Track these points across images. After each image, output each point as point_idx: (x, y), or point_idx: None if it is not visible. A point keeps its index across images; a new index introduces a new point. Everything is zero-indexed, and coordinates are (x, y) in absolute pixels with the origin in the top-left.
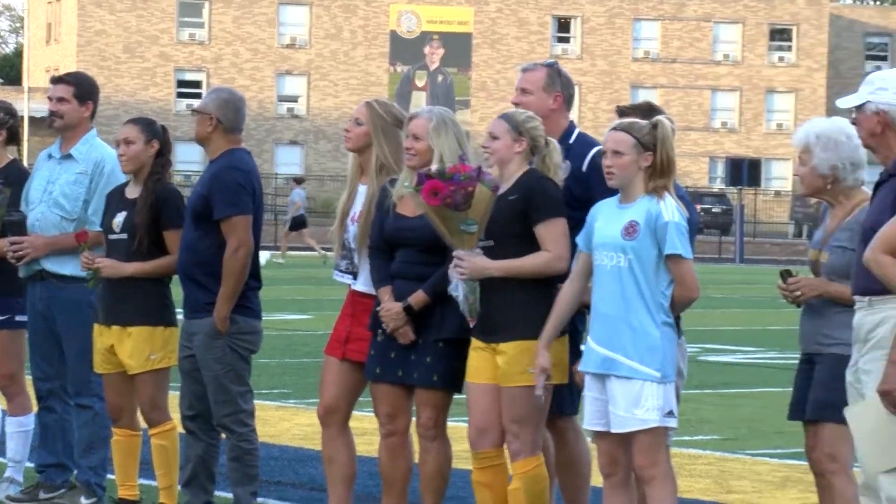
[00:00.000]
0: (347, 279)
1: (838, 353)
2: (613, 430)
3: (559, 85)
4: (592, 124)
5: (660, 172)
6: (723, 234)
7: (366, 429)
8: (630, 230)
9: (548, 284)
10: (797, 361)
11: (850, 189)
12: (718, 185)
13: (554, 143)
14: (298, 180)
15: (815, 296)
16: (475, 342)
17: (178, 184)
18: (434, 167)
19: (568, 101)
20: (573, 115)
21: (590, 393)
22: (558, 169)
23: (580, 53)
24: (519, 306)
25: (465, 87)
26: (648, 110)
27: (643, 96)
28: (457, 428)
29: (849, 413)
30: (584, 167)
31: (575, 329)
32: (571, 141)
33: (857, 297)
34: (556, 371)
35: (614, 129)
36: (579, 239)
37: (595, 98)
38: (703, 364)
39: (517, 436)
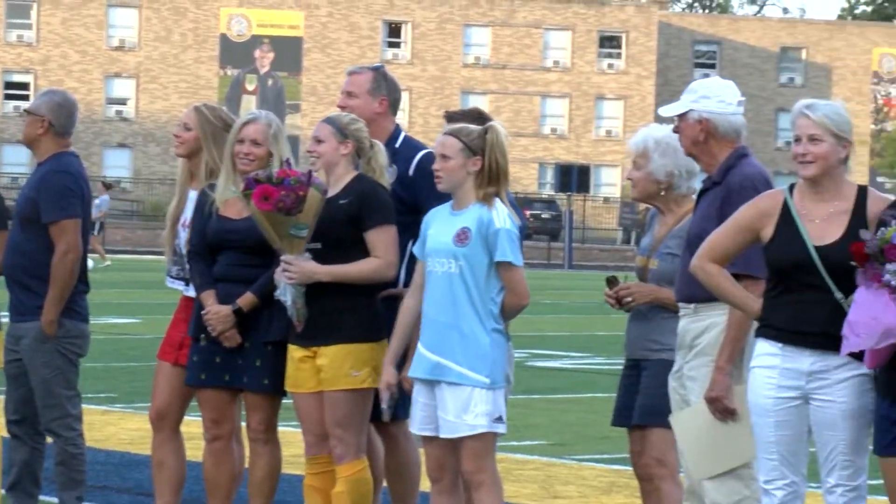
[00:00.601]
0: (179, 285)
1: (667, 358)
2: (442, 436)
3: (385, 89)
4: (423, 129)
5: (489, 178)
6: (552, 239)
7: (194, 433)
8: (461, 237)
9: (372, 289)
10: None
11: (682, 197)
12: (548, 191)
13: (379, 144)
14: (107, 185)
15: (647, 302)
16: (293, 350)
17: (5, 186)
18: (263, 172)
19: (394, 105)
20: (403, 119)
21: (419, 398)
22: (384, 170)
23: (411, 58)
24: (342, 311)
25: (295, 91)
26: (477, 116)
27: (473, 102)
28: (284, 433)
29: (674, 419)
30: (411, 171)
31: None
32: (397, 145)
33: (681, 304)
34: (374, 375)
35: (445, 133)
36: (416, 249)
37: (425, 103)
38: (531, 369)
39: (341, 439)
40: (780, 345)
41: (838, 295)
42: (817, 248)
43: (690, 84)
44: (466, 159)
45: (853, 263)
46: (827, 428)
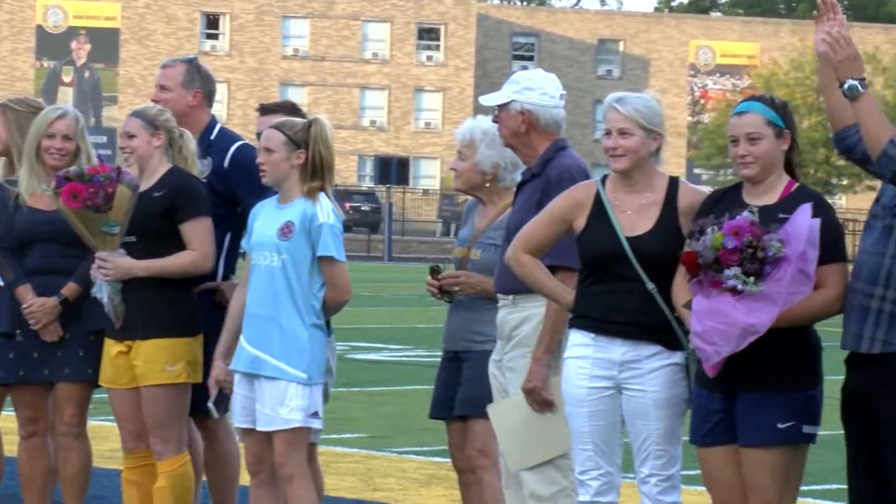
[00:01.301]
0: None
1: (489, 350)
2: (259, 429)
3: (198, 81)
4: (242, 122)
5: (314, 172)
6: (372, 232)
7: (10, 428)
8: (285, 231)
9: (188, 283)
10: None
11: (505, 189)
12: (367, 184)
13: (187, 133)
14: None
15: (474, 293)
16: (109, 345)
17: None
18: (73, 169)
19: (208, 97)
20: (222, 112)
21: (239, 391)
22: (195, 158)
23: (229, 50)
24: (157, 305)
25: (112, 84)
26: (291, 109)
27: (292, 94)
28: (102, 427)
29: (492, 410)
30: (226, 163)
31: None
32: (213, 137)
33: (500, 295)
34: (190, 369)
35: (270, 126)
36: (244, 242)
37: (244, 95)
38: (351, 362)
39: (160, 436)
40: (592, 335)
41: (650, 285)
42: (629, 239)
43: (513, 75)
44: (290, 153)
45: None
46: (639, 417)
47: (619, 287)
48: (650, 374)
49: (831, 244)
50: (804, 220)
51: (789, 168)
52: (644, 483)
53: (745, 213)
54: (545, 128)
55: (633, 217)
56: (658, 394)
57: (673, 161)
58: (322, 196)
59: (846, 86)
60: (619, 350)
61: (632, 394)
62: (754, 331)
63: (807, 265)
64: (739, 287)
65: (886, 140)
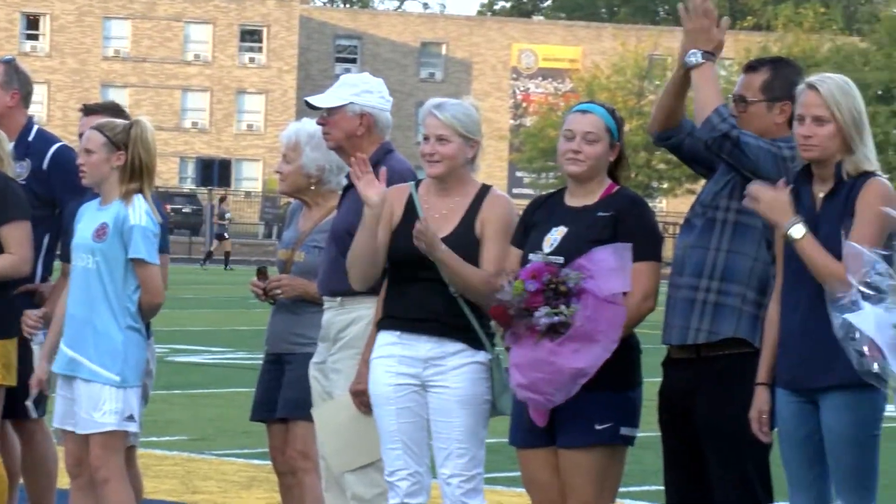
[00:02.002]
0: None
1: (312, 352)
2: (78, 431)
3: (16, 82)
4: (62, 123)
5: (132, 174)
6: (193, 234)
7: None
8: (100, 232)
9: (5, 286)
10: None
11: (330, 192)
12: (189, 186)
13: (2, 135)
14: None
15: (297, 295)
16: None
17: None
18: None
19: (25, 98)
20: (42, 113)
21: (60, 392)
22: (10, 158)
23: (49, 51)
24: None
25: None
26: (115, 111)
27: (113, 95)
28: None
29: (316, 412)
30: (45, 165)
31: None
32: (31, 138)
33: (326, 298)
34: (4, 372)
35: (91, 127)
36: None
37: (64, 97)
38: (172, 364)
39: None
40: (398, 333)
41: (452, 289)
42: None
43: (344, 77)
44: (110, 154)
45: (499, 325)
46: (442, 415)
47: (423, 287)
48: (454, 371)
49: (645, 242)
50: (602, 255)
51: (614, 179)
52: (447, 484)
53: (536, 257)
54: (380, 130)
55: (440, 221)
56: (461, 391)
57: (495, 164)
58: (137, 198)
59: (687, 55)
60: (424, 347)
61: (436, 391)
62: (584, 374)
63: (611, 292)
64: (556, 320)
65: (712, 109)
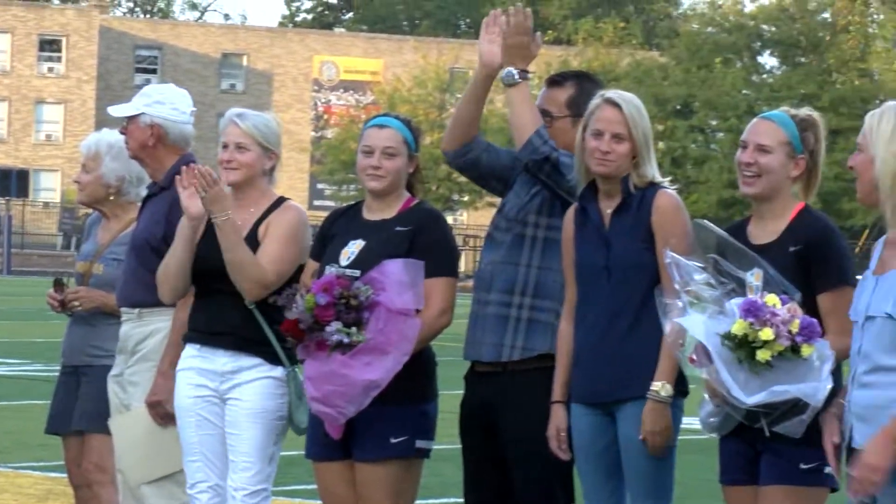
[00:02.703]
0: None
1: (109, 364)
2: None
3: None
4: None
5: None
6: None
7: None
8: None
9: None
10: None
11: (129, 203)
12: None
13: None
14: None
15: (94, 307)
16: None
17: None
18: None
19: None
20: None
21: None
22: None
23: None
24: None
25: None
26: None
27: None
28: None
29: (113, 423)
30: None
31: None
32: None
33: (124, 310)
34: None
35: None
36: None
37: None
38: None
39: None
40: (198, 346)
41: (248, 300)
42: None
43: (145, 87)
44: None
45: (292, 339)
46: (234, 427)
47: (222, 301)
48: (248, 384)
49: (441, 257)
50: (392, 267)
51: (412, 191)
52: (232, 497)
53: (332, 269)
54: (174, 142)
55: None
56: (252, 405)
57: (296, 176)
58: None
59: (504, 72)
60: (221, 360)
61: (231, 403)
62: (376, 385)
63: (403, 305)
64: (345, 340)
65: (532, 130)
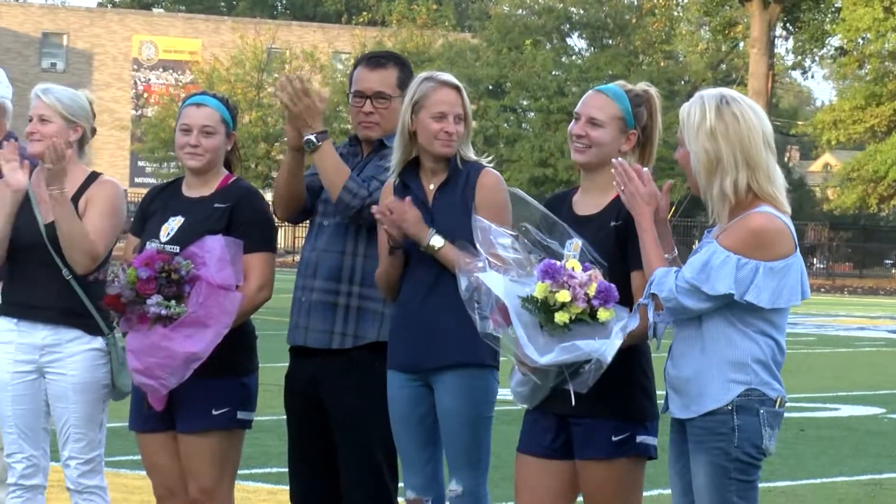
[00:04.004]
0: None
1: None
2: None
3: None
4: None
5: None
6: None
7: None
8: None
9: None
10: None
11: None
12: None
13: None
14: None
15: None
16: None
17: None
18: None
19: None
20: None
21: None
22: None
23: None
24: None
25: None
26: None
27: None
28: None
29: None
30: None
31: None
32: None
33: None
34: None
35: None
36: None
37: None
38: None
39: None
40: (16, 320)
41: (65, 272)
42: (46, 227)
43: None
44: None
45: (114, 313)
46: (59, 401)
47: (40, 273)
48: (70, 357)
49: (260, 233)
50: (212, 242)
51: (229, 166)
52: (66, 466)
53: (153, 245)
54: None
55: (46, 206)
56: (77, 377)
57: (117, 154)
58: None
59: (304, 141)
60: (40, 334)
61: (53, 377)
62: (197, 357)
63: (223, 279)
64: (164, 312)
65: (341, 187)
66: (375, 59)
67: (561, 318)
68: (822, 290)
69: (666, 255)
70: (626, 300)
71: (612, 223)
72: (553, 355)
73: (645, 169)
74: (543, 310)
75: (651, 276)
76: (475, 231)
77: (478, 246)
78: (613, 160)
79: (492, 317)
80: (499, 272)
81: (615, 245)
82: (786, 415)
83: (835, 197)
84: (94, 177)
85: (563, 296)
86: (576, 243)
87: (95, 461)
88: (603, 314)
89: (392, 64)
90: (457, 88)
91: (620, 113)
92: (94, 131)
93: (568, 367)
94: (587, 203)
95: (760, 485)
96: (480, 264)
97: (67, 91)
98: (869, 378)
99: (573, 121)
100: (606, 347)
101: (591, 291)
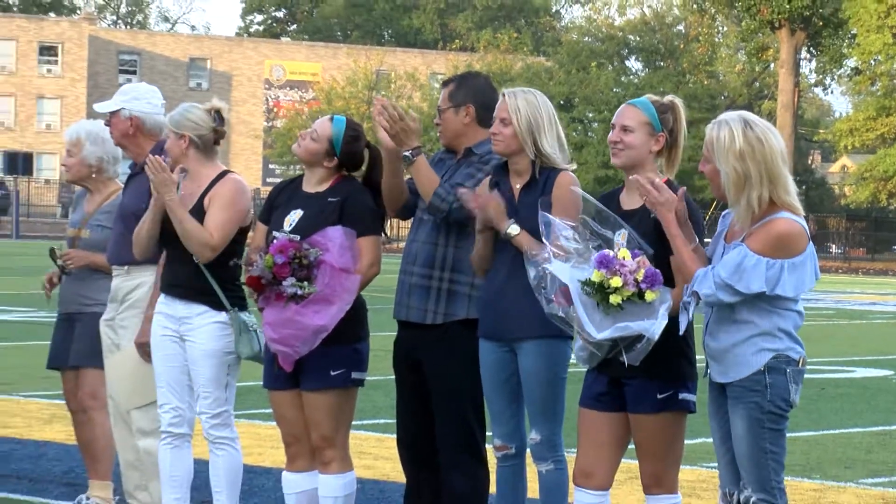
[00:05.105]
0: None
1: (99, 311)
2: None
3: None
4: None
5: None
6: (2, 214)
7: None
8: None
9: None
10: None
11: (109, 179)
12: None
13: None
14: None
15: (83, 265)
16: None
17: None
18: None
19: None
20: None
21: None
22: None
23: None
24: None
25: None
26: None
27: None
28: None
29: (107, 361)
30: None
31: None
32: None
33: (115, 266)
34: None
35: None
36: None
37: None
38: None
39: None
40: (164, 296)
41: (196, 258)
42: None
43: (123, 86)
44: None
45: (252, 291)
46: (193, 364)
47: (177, 258)
48: (199, 328)
49: (368, 221)
50: (333, 232)
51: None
52: (200, 418)
53: (279, 234)
54: (149, 130)
55: (186, 199)
56: (205, 345)
57: (252, 158)
58: None
59: (402, 155)
60: (178, 308)
61: (188, 344)
62: (324, 329)
63: (344, 263)
64: (298, 292)
65: (433, 192)
66: (444, 81)
67: (615, 299)
68: (840, 271)
69: (690, 246)
70: (668, 278)
71: (652, 214)
72: (608, 332)
73: (657, 180)
74: (600, 292)
75: (691, 277)
76: (541, 225)
77: (543, 239)
78: (632, 177)
79: (556, 298)
80: (561, 260)
81: (654, 233)
82: (808, 376)
83: (850, 193)
84: (222, 175)
85: (616, 281)
86: (624, 233)
87: (223, 416)
88: (649, 295)
89: (452, 82)
90: (504, 96)
91: (648, 119)
92: (216, 133)
93: (622, 341)
94: (631, 199)
95: (788, 434)
96: (546, 255)
97: (181, 107)
98: (880, 345)
99: (611, 131)
100: (655, 326)
101: (640, 277)
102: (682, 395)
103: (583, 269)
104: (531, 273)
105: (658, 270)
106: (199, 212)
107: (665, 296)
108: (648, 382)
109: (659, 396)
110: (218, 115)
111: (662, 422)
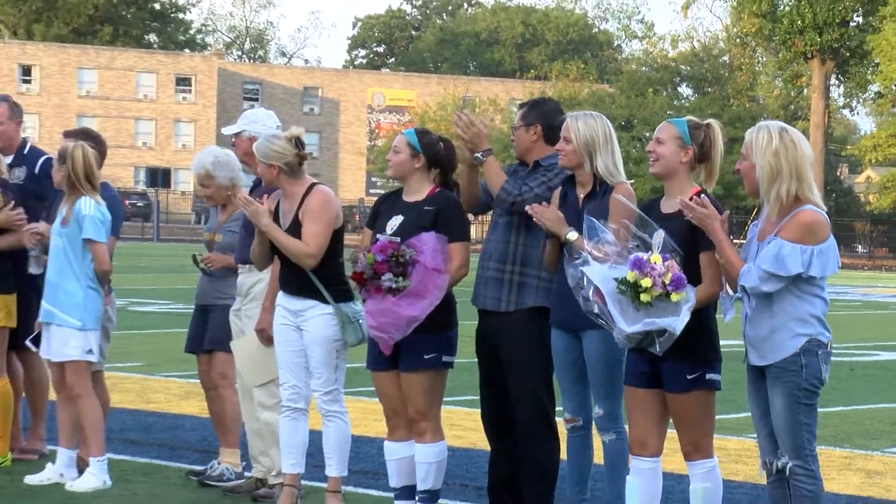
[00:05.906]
0: None
1: (229, 304)
2: (53, 360)
3: (18, 114)
4: (49, 143)
5: (72, 184)
6: (145, 221)
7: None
8: (64, 221)
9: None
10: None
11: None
12: (141, 187)
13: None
14: None
15: (221, 266)
16: None
17: None
18: None
19: (20, 124)
20: (35, 134)
21: (45, 332)
22: (4, 167)
23: (39, 91)
24: None
25: None
26: (86, 134)
27: (86, 123)
28: None
29: (234, 344)
30: (37, 170)
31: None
32: (26, 152)
33: (240, 265)
34: (7, 318)
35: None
36: None
37: (51, 124)
38: (131, 313)
39: None
40: (282, 293)
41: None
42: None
43: (245, 112)
44: (59, 167)
45: (357, 284)
46: (308, 349)
47: (289, 264)
48: (311, 319)
49: (459, 228)
50: (427, 237)
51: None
52: (315, 395)
53: (382, 236)
54: None
55: (286, 216)
56: (315, 333)
57: (357, 173)
58: (84, 198)
59: (474, 156)
60: (293, 303)
61: (304, 332)
62: (416, 319)
63: (436, 264)
64: (394, 286)
65: (500, 187)
66: (519, 105)
67: (645, 297)
68: (866, 268)
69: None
70: (696, 275)
71: (686, 218)
72: (638, 326)
73: (704, 197)
74: (633, 289)
75: (737, 273)
76: (585, 228)
77: (584, 239)
78: (678, 199)
79: (591, 297)
80: (598, 262)
81: (689, 233)
82: (839, 359)
83: (874, 200)
84: (310, 189)
85: (647, 282)
86: (659, 234)
87: (333, 393)
88: (675, 296)
89: (525, 106)
90: (567, 117)
91: (678, 133)
92: (300, 158)
93: (649, 336)
94: (669, 204)
95: (822, 409)
96: (585, 258)
97: (263, 137)
98: None
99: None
100: (678, 322)
101: (667, 280)
102: (708, 376)
103: (619, 268)
104: (569, 274)
105: (683, 275)
106: (296, 225)
107: (689, 295)
108: (679, 365)
109: (689, 377)
110: (298, 141)
111: (693, 399)
